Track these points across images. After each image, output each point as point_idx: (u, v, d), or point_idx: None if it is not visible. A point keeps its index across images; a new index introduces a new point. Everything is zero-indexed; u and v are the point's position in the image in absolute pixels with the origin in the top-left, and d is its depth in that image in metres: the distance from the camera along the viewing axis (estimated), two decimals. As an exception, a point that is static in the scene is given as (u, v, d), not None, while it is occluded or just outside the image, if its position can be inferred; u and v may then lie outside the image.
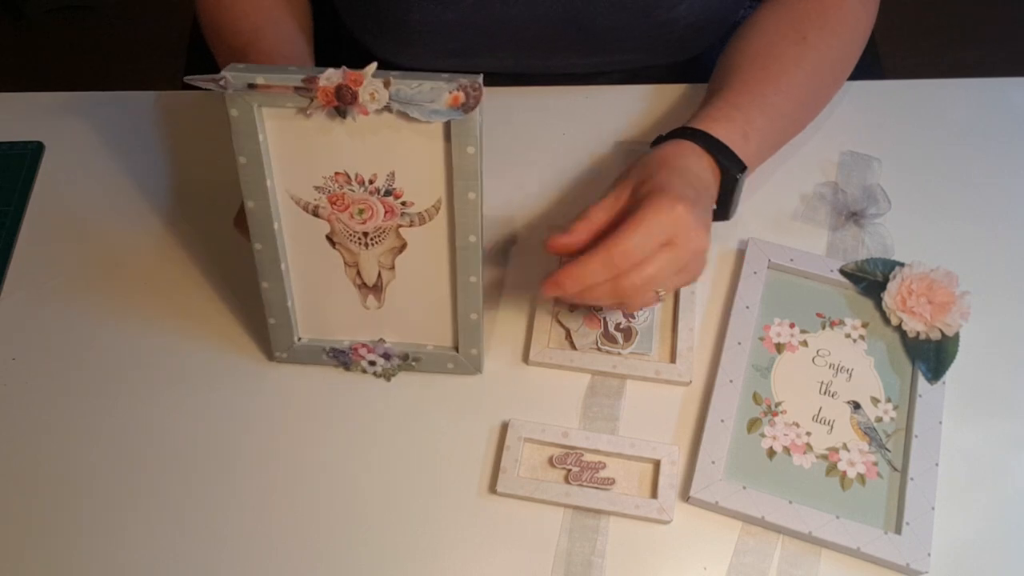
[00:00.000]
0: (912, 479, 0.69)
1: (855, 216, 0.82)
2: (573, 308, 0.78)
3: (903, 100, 0.91)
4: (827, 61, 0.83)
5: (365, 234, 0.69)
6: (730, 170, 0.74)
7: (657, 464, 0.70)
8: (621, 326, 0.77)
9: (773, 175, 0.86)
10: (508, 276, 0.81)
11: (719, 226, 0.80)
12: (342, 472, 0.72)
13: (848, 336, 0.76)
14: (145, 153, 0.90)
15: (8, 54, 2.11)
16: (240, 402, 0.76)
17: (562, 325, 0.77)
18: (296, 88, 0.61)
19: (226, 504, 0.71)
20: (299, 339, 0.75)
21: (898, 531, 0.67)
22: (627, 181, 0.70)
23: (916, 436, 0.71)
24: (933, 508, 0.68)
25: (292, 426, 0.74)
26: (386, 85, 0.60)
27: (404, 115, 0.61)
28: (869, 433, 0.72)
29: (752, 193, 0.84)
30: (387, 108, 0.61)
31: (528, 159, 0.88)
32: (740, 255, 0.81)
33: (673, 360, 0.75)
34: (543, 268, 0.79)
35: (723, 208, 0.77)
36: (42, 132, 0.91)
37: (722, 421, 0.71)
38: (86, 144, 0.91)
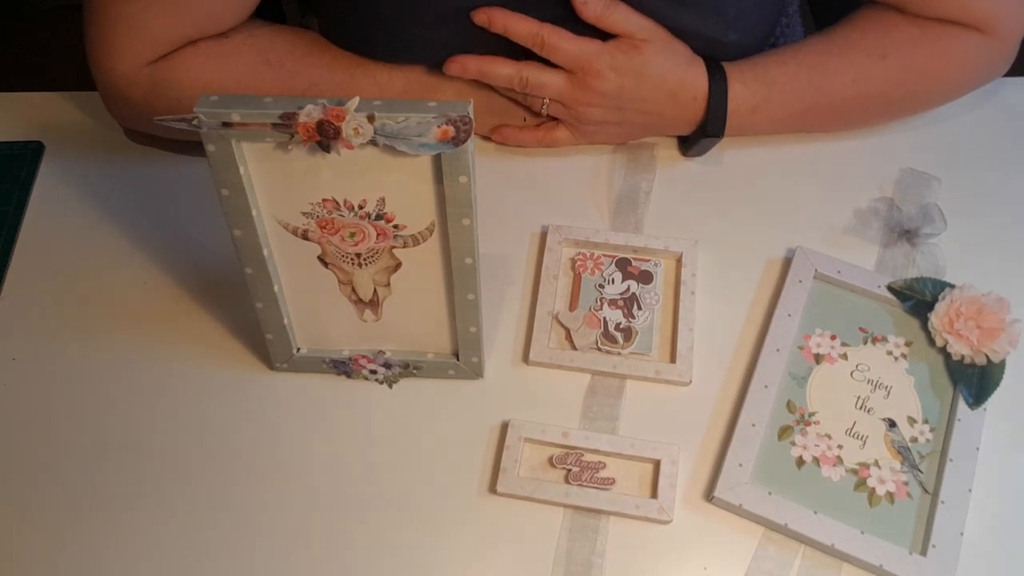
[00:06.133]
0: (943, 502, 0.84)
1: (908, 234, 1.00)
2: (573, 308, 0.96)
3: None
4: (896, 87, 1.03)
5: (358, 255, 0.84)
6: (707, 129, 1.01)
7: (657, 464, 0.87)
8: (621, 326, 0.95)
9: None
10: (507, 276, 1.00)
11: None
12: (342, 473, 0.89)
13: (890, 353, 0.93)
14: (146, 153, 1.10)
15: (9, 53, 2.42)
16: (242, 405, 0.93)
17: (562, 325, 0.95)
18: (274, 125, 0.72)
19: (226, 506, 0.88)
20: (298, 350, 0.93)
21: (923, 553, 0.83)
22: None
23: (951, 460, 0.86)
24: (962, 534, 0.83)
25: (294, 429, 0.92)
26: (370, 119, 0.71)
27: (391, 148, 0.73)
28: (902, 452, 0.88)
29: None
30: (372, 142, 0.73)
31: (528, 159, 1.08)
32: (787, 263, 0.99)
33: (673, 360, 0.93)
34: (541, 266, 0.99)
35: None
36: (42, 132, 1.13)
37: (753, 425, 0.88)
38: (86, 144, 1.11)
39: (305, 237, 0.83)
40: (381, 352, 0.92)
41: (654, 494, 0.87)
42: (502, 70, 0.99)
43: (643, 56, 0.97)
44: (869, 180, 1.07)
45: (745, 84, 1.01)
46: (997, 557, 0.85)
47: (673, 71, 0.99)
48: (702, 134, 1.03)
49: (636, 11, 0.96)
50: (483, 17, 0.95)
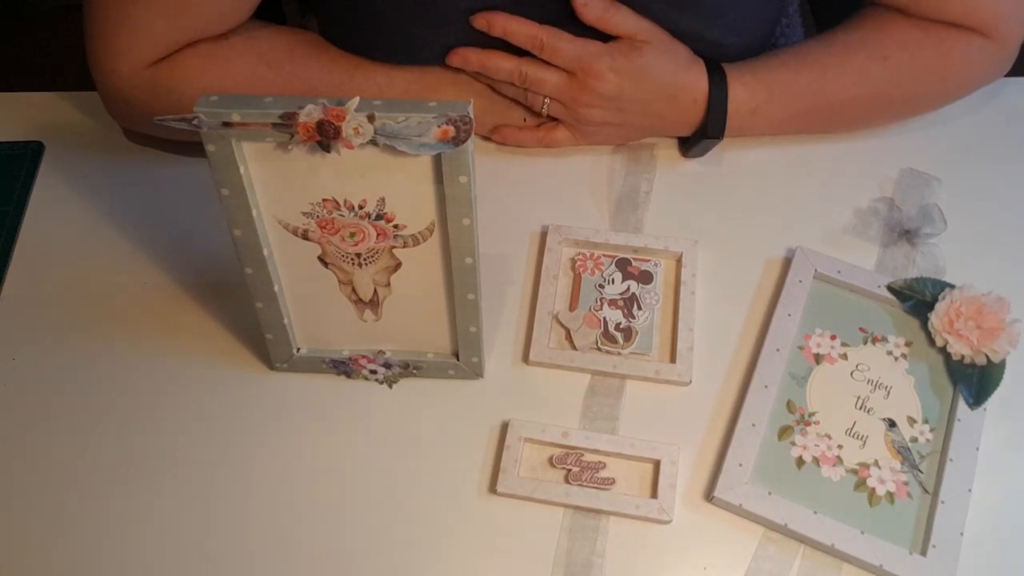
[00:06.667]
0: (943, 502, 0.85)
1: (908, 234, 1.00)
2: (573, 308, 0.97)
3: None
4: (896, 88, 1.03)
5: (358, 255, 0.84)
6: (707, 131, 1.01)
7: (657, 464, 0.87)
8: (621, 326, 0.95)
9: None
10: (507, 276, 1.00)
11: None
12: (343, 473, 0.90)
13: (890, 353, 0.93)
14: (146, 153, 1.11)
15: (9, 53, 2.43)
16: (242, 405, 0.94)
17: (562, 325, 0.96)
18: (274, 125, 0.73)
19: (225, 505, 0.89)
20: (298, 350, 0.93)
21: (923, 553, 0.83)
22: None
23: (951, 460, 0.87)
24: (962, 534, 0.83)
25: (294, 430, 0.92)
26: (371, 119, 0.71)
27: (391, 148, 0.73)
28: (902, 452, 0.88)
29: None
30: (372, 142, 0.73)
31: (528, 159, 1.08)
32: (787, 263, 0.99)
33: (673, 360, 0.93)
34: (541, 266, 1.00)
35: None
36: (42, 132, 1.13)
37: (753, 425, 0.88)
38: (86, 144, 1.12)
39: (305, 237, 0.83)
40: (381, 352, 0.92)
41: (654, 494, 0.87)
42: (503, 64, 0.99)
43: (643, 58, 0.97)
44: (869, 180, 1.07)
45: (745, 86, 1.01)
46: (997, 557, 0.85)
47: (673, 73, 0.99)
48: (702, 136, 1.03)
49: (636, 13, 0.96)
50: (482, 21, 0.96)
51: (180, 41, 0.96)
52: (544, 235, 1.02)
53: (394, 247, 0.84)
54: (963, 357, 0.92)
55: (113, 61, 0.95)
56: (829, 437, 0.90)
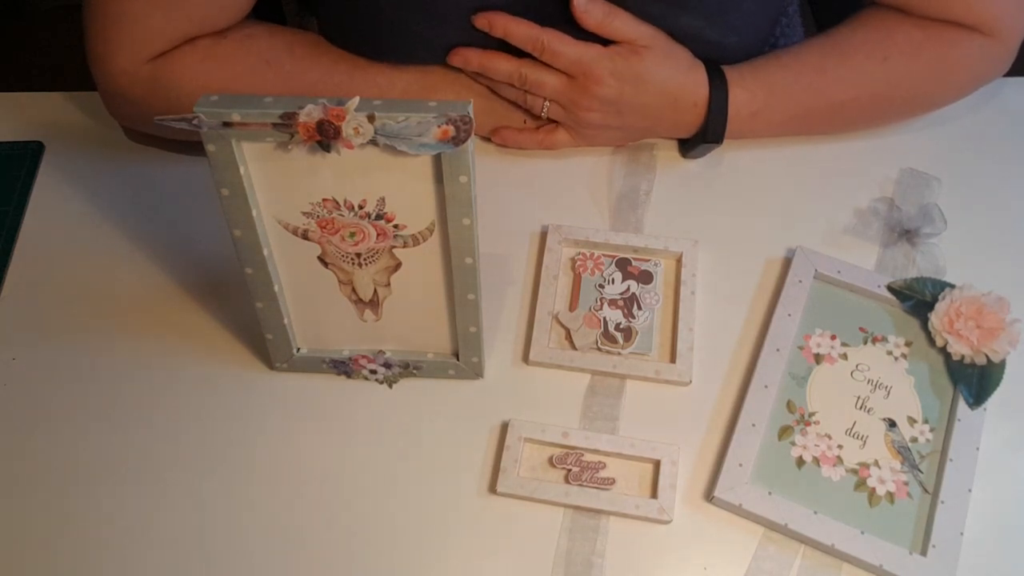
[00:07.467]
0: (943, 502, 0.85)
1: (908, 234, 1.00)
2: (573, 308, 0.97)
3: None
4: (897, 89, 1.03)
5: (358, 255, 0.84)
6: (707, 135, 1.01)
7: (657, 464, 0.88)
8: (621, 326, 0.95)
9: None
10: (507, 276, 1.01)
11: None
12: (343, 473, 0.90)
13: (890, 353, 0.93)
14: (146, 153, 1.11)
15: (8, 53, 2.44)
16: (242, 405, 0.94)
17: (562, 325, 0.96)
18: (275, 124, 0.73)
19: (225, 505, 0.89)
20: (298, 350, 0.93)
21: (923, 553, 0.83)
22: None
23: (951, 460, 0.87)
24: (962, 534, 0.83)
25: (294, 430, 0.92)
26: (371, 119, 0.72)
27: (391, 148, 0.73)
28: (902, 452, 0.88)
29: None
30: (372, 142, 0.73)
31: (528, 159, 1.08)
32: (787, 263, 0.99)
33: (673, 360, 0.94)
34: (541, 266, 1.00)
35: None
36: (42, 132, 1.13)
37: (753, 425, 0.88)
38: (86, 144, 1.12)
39: (305, 237, 0.84)
40: (381, 352, 0.92)
41: (654, 494, 0.87)
42: (502, 65, 0.99)
43: (644, 62, 0.97)
44: (869, 180, 1.07)
45: (746, 89, 1.01)
46: (997, 557, 0.86)
47: (673, 77, 0.99)
48: (701, 140, 1.03)
49: (637, 18, 0.96)
50: (484, 21, 0.96)
51: (178, 35, 0.96)
52: (544, 235, 1.02)
53: (394, 247, 0.84)
54: (963, 357, 0.92)
55: (111, 56, 0.96)
56: (829, 437, 0.90)
